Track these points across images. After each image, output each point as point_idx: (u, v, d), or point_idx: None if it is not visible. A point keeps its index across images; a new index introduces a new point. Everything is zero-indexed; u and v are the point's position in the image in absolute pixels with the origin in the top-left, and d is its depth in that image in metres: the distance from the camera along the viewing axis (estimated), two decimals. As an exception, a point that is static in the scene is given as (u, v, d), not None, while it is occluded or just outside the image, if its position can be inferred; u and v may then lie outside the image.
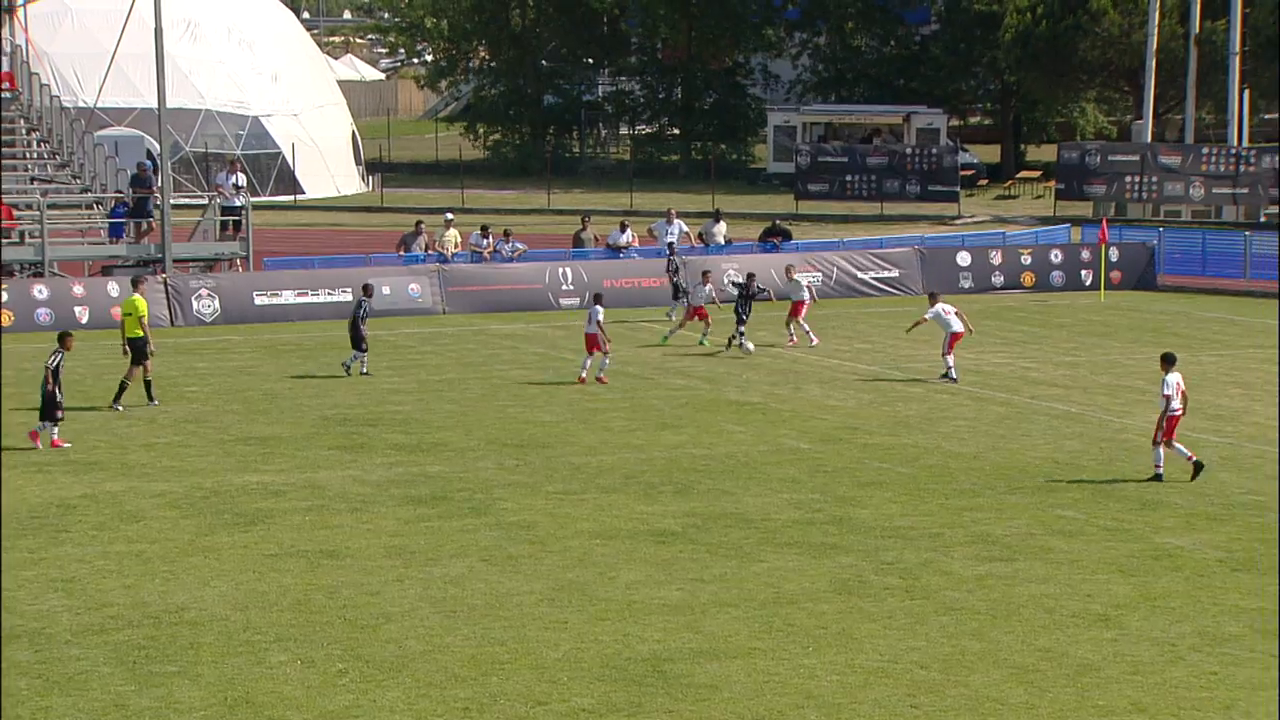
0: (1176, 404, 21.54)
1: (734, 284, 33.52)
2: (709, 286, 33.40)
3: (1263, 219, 54.47)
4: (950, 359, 29.07)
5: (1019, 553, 18.41)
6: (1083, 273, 42.74)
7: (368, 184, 71.28)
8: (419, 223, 43.27)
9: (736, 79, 78.19)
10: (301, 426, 25.36)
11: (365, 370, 29.35)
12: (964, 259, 42.65)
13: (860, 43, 76.36)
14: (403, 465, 22.78)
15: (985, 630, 15.83)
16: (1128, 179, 56.23)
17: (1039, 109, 73.50)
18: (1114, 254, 42.65)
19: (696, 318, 33.19)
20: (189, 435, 24.66)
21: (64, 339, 24.43)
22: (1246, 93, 56.80)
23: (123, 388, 26.48)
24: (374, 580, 17.43)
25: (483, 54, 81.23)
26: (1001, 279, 42.42)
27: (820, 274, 40.63)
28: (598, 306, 28.97)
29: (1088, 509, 20.29)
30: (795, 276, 34.00)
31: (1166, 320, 37.58)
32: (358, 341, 29.31)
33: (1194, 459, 21.65)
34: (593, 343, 28.70)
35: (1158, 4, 57.57)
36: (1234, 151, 55.29)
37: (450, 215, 44.49)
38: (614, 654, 15.19)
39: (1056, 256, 43.33)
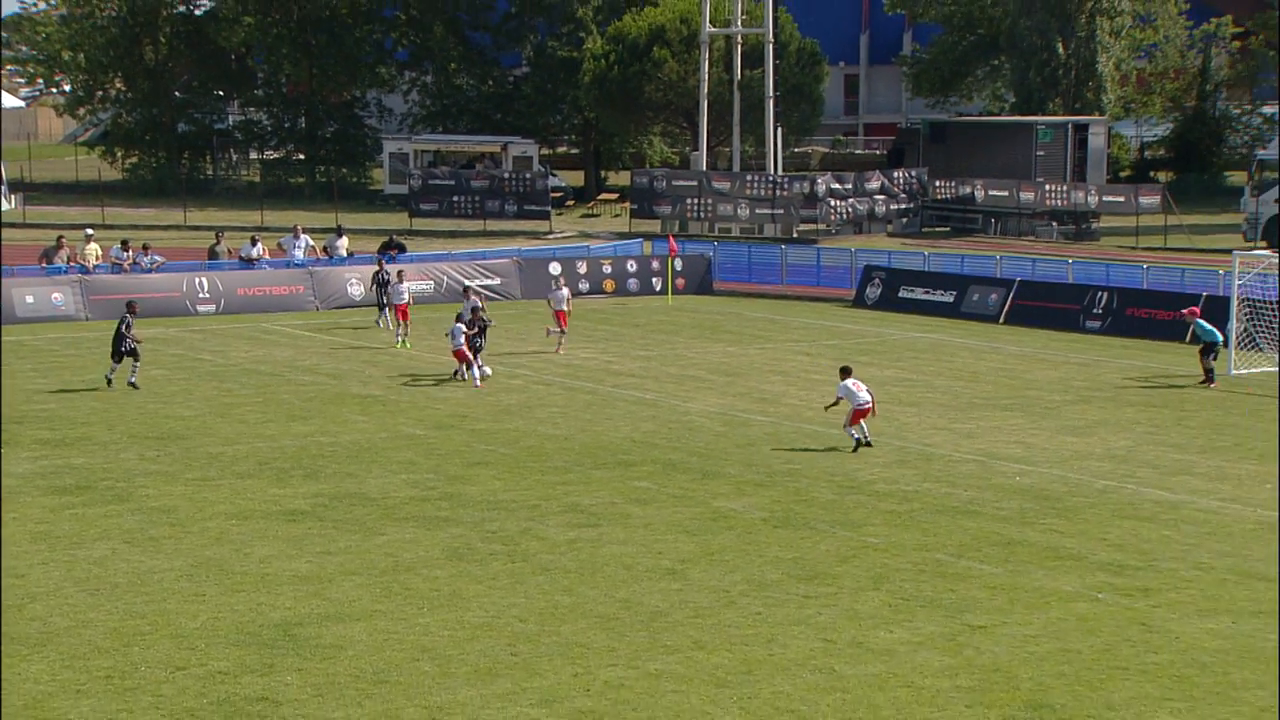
0: (865, 398, 22.44)
1: (468, 316, 28.55)
2: (404, 285, 33.28)
3: (795, 235, 57.31)
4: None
5: (603, 519, 18.81)
6: (654, 279, 44.01)
7: (10, 203, 66.82)
8: (60, 237, 40.87)
9: (354, 111, 77.14)
10: (-53, 427, 23.61)
11: (133, 380, 26.98)
12: (555, 268, 43.22)
13: (462, 82, 76.51)
14: (48, 459, 21.48)
15: (575, 586, 16.13)
16: (688, 201, 58.09)
17: (614, 141, 75.18)
18: (679, 264, 44.09)
19: (400, 317, 32.68)
20: None
21: None
22: (779, 129, 59.66)
23: None
24: (19, 564, 16.39)
25: (119, 85, 77.34)
26: (587, 285, 43.25)
27: (432, 282, 40.53)
28: (563, 291, 32.24)
29: (659, 480, 20.91)
30: (563, 288, 33.02)
31: (722, 319, 39.06)
32: (118, 354, 27.02)
33: (868, 441, 22.57)
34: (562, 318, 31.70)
35: (707, 55, 59.80)
36: (771, 179, 57.91)
37: (91, 231, 42.23)
38: (248, 621, 14.77)
39: (632, 266, 44.45)
